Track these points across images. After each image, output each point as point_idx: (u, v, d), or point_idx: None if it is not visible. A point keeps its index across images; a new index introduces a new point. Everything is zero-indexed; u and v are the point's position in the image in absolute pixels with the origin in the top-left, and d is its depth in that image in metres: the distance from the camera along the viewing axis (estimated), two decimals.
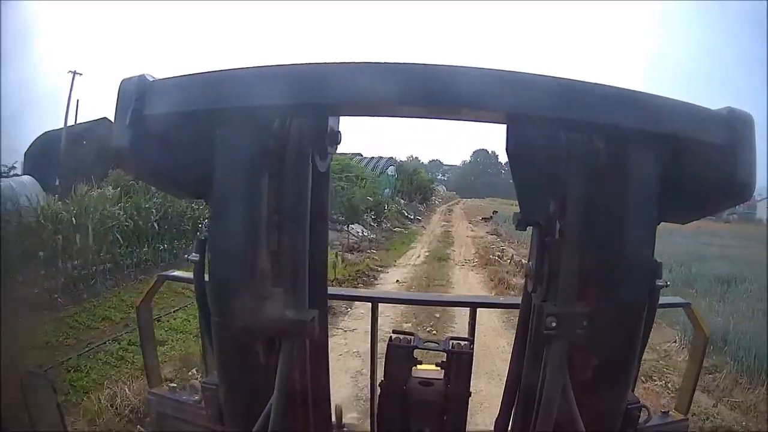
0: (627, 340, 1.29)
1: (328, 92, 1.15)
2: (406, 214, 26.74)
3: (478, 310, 2.19)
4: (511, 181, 1.29)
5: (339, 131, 1.34)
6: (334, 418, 1.99)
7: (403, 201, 28.95)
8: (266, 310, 1.25)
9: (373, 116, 1.32)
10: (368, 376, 2.19)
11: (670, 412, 2.00)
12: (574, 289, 1.20)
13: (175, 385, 2.04)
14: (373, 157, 29.76)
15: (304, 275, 1.25)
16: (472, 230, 24.65)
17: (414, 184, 31.71)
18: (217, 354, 1.41)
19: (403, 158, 34.65)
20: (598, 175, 1.19)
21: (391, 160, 31.56)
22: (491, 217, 28.47)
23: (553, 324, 1.19)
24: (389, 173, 30.20)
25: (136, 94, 1.22)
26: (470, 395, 1.81)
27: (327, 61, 1.17)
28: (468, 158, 70.13)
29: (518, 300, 1.70)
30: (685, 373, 2.13)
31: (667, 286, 1.37)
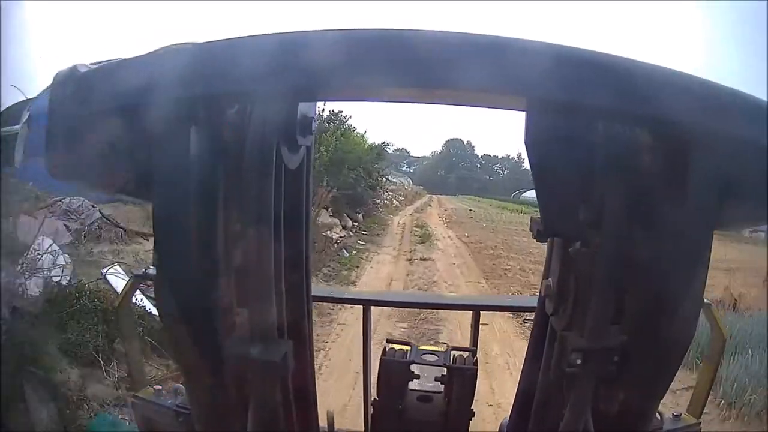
0: (664, 377, 1.09)
1: (300, 70, 0.87)
2: None
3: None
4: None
5: (313, 117, 1.13)
6: (325, 425, 1.91)
7: None
8: (228, 346, 1.03)
9: (360, 101, 1.12)
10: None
11: (682, 416, 1.90)
12: (608, 320, 1.01)
13: (159, 387, 1.99)
14: None
15: (270, 298, 1.04)
16: None
17: (336, 152, 14.34)
18: (184, 383, 1.23)
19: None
20: (642, 175, 0.96)
21: None
22: None
23: (579, 361, 1.01)
24: None
25: (70, 88, 0.99)
26: (473, 415, 1.64)
27: (298, 30, 0.87)
28: (439, 148, 61.03)
29: (525, 301, 1.56)
30: (699, 376, 2.03)
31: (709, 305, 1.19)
